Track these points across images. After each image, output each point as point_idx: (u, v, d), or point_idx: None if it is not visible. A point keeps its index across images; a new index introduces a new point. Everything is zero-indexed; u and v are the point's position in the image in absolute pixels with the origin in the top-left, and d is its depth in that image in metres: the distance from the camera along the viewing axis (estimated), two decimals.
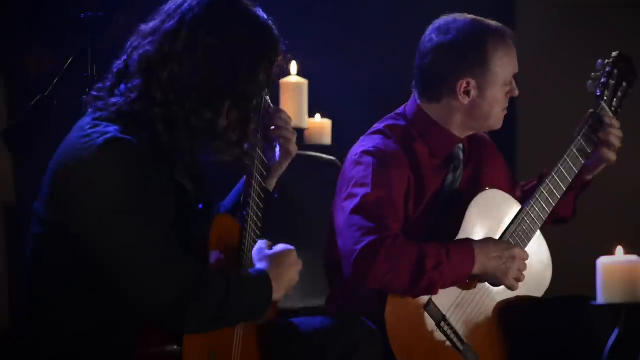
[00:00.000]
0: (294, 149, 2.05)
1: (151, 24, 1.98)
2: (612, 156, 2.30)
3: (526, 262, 2.19)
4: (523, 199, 2.32)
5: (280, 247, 1.97)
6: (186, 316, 1.79)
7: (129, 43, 1.99)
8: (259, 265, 1.93)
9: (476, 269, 2.13)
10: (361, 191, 2.15)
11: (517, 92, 2.25)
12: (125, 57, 1.99)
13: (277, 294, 1.91)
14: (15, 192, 3.56)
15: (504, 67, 2.21)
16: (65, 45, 3.37)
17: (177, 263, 1.81)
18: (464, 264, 2.13)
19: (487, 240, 2.17)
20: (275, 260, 1.94)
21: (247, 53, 1.94)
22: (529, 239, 2.23)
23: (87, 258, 1.83)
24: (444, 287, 2.14)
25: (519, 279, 2.16)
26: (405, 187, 2.21)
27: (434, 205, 2.25)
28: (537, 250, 2.27)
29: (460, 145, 2.29)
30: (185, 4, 1.96)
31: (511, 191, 2.36)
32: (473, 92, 2.21)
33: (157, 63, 1.94)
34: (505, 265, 2.13)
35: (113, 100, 1.94)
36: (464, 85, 2.21)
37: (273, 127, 2.02)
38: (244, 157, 1.99)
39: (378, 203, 2.14)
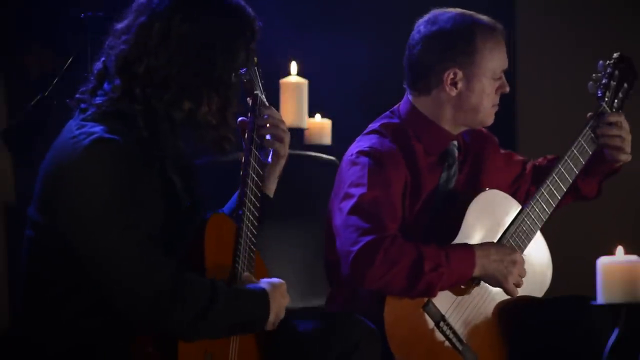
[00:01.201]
0: (283, 150, 2.03)
1: (124, 22, 1.98)
2: (620, 156, 2.29)
3: (526, 263, 2.19)
4: (535, 176, 2.34)
5: (273, 278, 1.97)
6: (165, 319, 1.80)
7: (106, 44, 1.99)
8: (260, 284, 1.94)
9: (476, 272, 2.13)
10: (358, 191, 2.15)
11: (507, 89, 2.24)
12: (103, 58, 1.99)
13: (270, 316, 1.91)
14: (15, 192, 3.57)
15: (492, 59, 2.20)
16: (65, 46, 3.37)
17: (157, 266, 1.81)
18: (464, 267, 2.12)
19: (488, 244, 2.17)
20: (271, 284, 1.95)
21: (221, 37, 1.93)
22: (529, 240, 2.23)
23: (76, 260, 1.84)
24: (443, 289, 2.13)
25: (518, 285, 2.16)
26: (402, 186, 2.20)
27: (430, 204, 2.25)
28: (537, 250, 2.27)
29: (455, 143, 2.28)
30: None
31: (514, 184, 2.37)
32: (460, 84, 2.20)
33: (134, 60, 1.94)
34: (506, 269, 2.13)
35: (97, 101, 1.94)
36: (451, 75, 2.20)
37: (266, 126, 2.02)
38: (224, 142, 1.98)
39: (375, 203, 2.13)
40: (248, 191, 1.98)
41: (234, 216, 1.98)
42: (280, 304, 1.94)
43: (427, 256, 2.09)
